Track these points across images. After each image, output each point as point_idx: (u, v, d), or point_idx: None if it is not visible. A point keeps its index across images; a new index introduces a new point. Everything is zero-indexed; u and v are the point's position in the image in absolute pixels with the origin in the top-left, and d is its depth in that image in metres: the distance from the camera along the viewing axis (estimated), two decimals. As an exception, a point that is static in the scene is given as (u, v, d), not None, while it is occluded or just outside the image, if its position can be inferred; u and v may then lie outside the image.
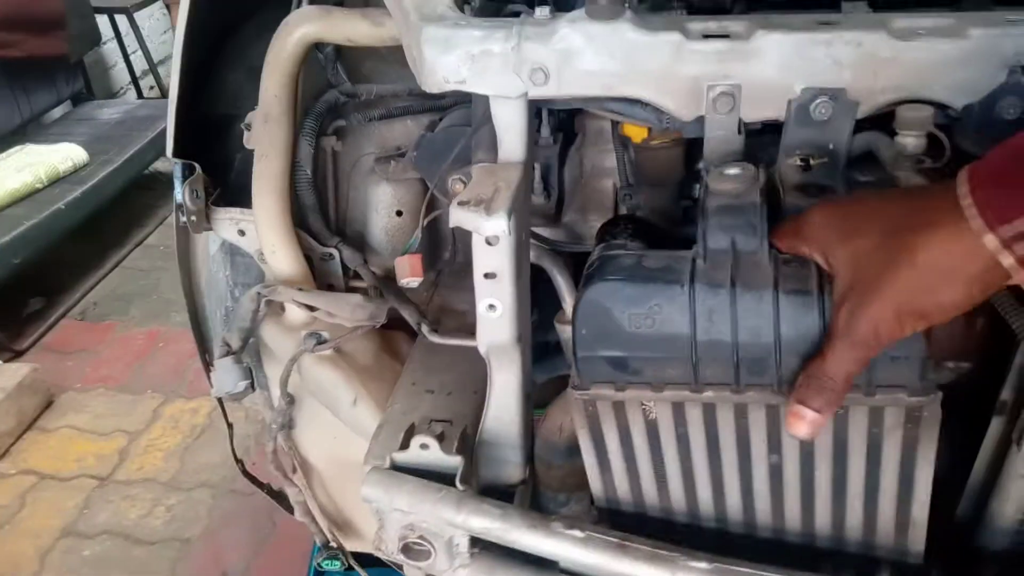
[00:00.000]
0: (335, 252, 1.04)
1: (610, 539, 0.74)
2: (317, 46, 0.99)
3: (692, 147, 0.91)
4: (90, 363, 2.74)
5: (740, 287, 0.67)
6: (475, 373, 0.92)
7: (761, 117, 0.72)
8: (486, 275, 0.73)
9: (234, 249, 1.09)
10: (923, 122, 0.69)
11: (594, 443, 0.78)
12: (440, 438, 0.82)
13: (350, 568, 1.19)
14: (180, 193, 0.99)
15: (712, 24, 0.71)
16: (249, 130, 0.98)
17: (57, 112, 3.67)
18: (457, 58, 0.71)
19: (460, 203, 0.70)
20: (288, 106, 0.96)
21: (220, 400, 1.11)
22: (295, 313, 1.02)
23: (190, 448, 2.36)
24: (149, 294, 3.09)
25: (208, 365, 1.15)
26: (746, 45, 0.69)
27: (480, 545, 0.81)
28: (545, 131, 0.97)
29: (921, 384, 0.66)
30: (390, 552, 0.83)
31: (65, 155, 3.09)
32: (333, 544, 1.19)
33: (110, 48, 4.15)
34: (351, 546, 1.19)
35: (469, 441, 0.85)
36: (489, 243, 0.71)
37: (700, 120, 0.73)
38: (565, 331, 1.00)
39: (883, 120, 0.72)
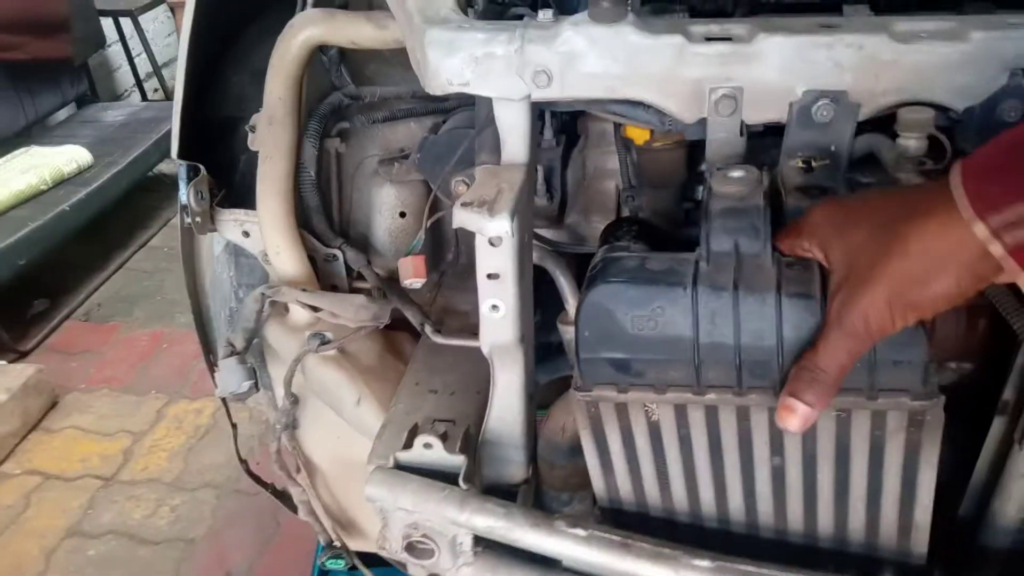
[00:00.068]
0: (339, 253, 1.04)
1: (613, 538, 0.74)
2: (321, 49, 1.00)
3: (694, 149, 0.91)
4: (94, 364, 2.74)
5: (743, 290, 0.67)
6: (478, 373, 0.92)
7: (763, 119, 0.72)
8: (489, 276, 0.74)
9: (238, 250, 1.09)
10: (924, 124, 0.69)
11: (596, 444, 0.78)
12: (443, 438, 0.82)
13: (354, 567, 1.19)
14: (185, 194, 0.99)
15: (714, 27, 0.71)
16: (253, 132, 0.98)
17: (62, 114, 3.66)
18: (461, 60, 0.71)
19: (463, 204, 0.70)
20: (292, 108, 0.96)
21: (224, 400, 1.11)
22: (299, 314, 1.02)
23: (194, 448, 2.35)
24: (153, 295, 3.09)
25: (212, 366, 1.16)
26: (748, 48, 0.69)
27: (483, 544, 0.81)
28: (548, 133, 0.98)
29: (924, 388, 0.66)
30: (394, 551, 0.84)
31: (69, 157, 3.09)
32: (337, 543, 1.19)
33: (114, 51, 4.15)
34: (355, 545, 1.19)
35: (472, 441, 0.85)
36: (492, 244, 0.71)
37: (702, 122, 0.73)
38: (568, 332, 1.00)
39: (885, 122, 0.72)
